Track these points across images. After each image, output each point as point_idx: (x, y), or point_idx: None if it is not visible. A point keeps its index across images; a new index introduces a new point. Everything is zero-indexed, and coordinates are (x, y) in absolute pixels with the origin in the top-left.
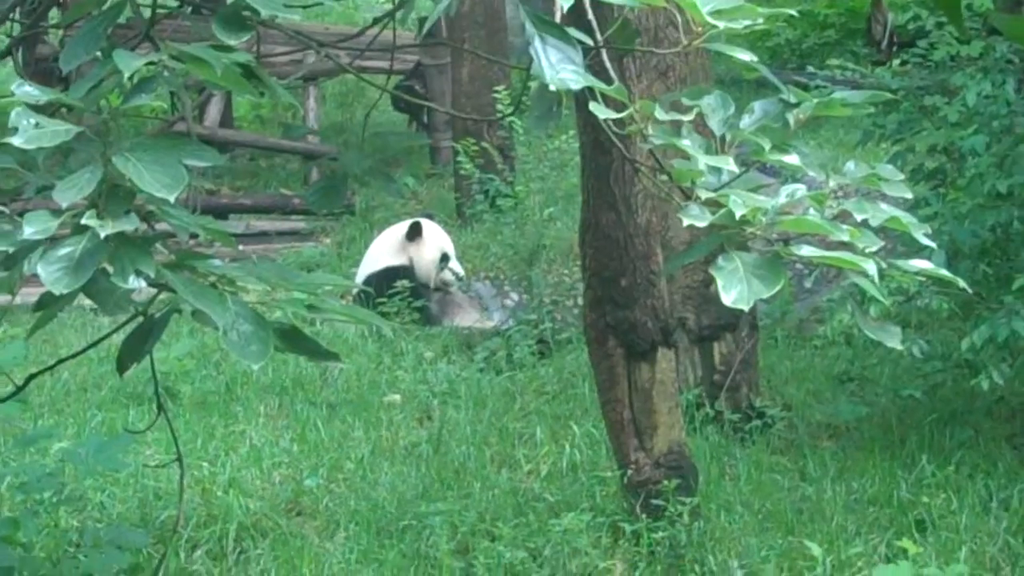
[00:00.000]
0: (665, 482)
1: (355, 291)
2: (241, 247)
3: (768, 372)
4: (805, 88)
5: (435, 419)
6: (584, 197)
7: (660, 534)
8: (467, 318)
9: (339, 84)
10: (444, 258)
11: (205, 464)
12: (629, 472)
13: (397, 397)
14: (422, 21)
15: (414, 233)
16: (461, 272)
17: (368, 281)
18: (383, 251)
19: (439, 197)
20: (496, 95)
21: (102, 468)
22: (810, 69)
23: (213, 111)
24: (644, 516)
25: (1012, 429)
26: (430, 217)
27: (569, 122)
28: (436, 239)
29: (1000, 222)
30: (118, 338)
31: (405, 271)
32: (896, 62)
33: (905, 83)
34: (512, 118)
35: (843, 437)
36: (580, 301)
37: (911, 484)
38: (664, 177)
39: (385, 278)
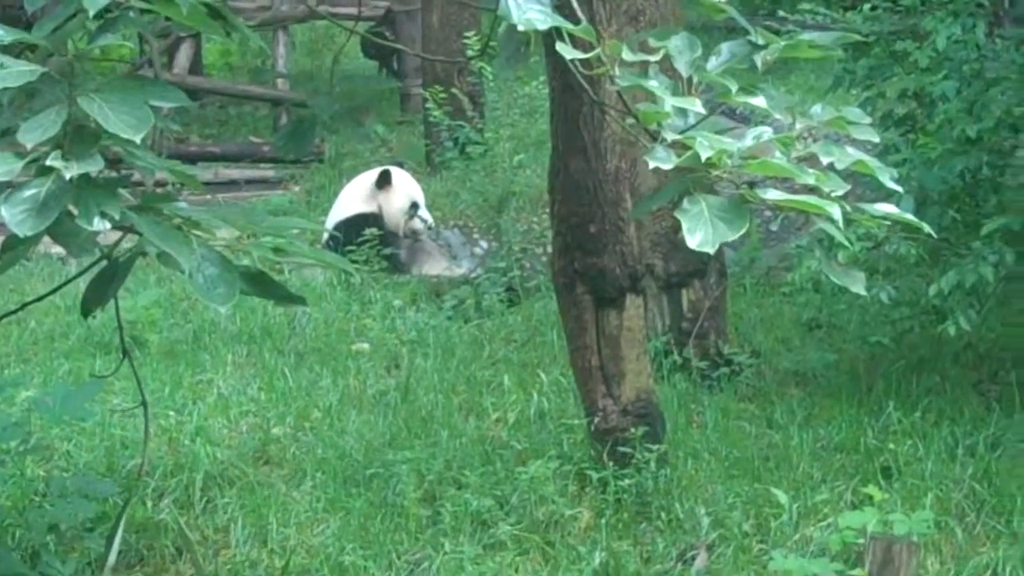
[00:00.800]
0: (632, 429)
1: (324, 237)
2: (209, 196)
3: (736, 319)
4: (776, 33)
5: (403, 367)
6: (553, 143)
7: (627, 482)
8: (436, 266)
9: (308, 30)
10: (414, 206)
11: (172, 413)
12: (596, 419)
13: (365, 345)
14: None
15: (383, 181)
16: (430, 220)
17: (337, 228)
18: (353, 198)
19: (409, 144)
20: (466, 40)
21: (68, 417)
22: (781, 14)
23: (182, 58)
24: (611, 464)
25: (979, 375)
26: (400, 165)
27: (539, 68)
28: (406, 187)
29: (969, 167)
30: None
31: (374, 218)
32: (867, 6)
33: (876, 28)
34: (482, 64)
35: (811, 384)
36: (549, 249)
37: (878, 431)
38: (632, 120)
39: (354, 225)
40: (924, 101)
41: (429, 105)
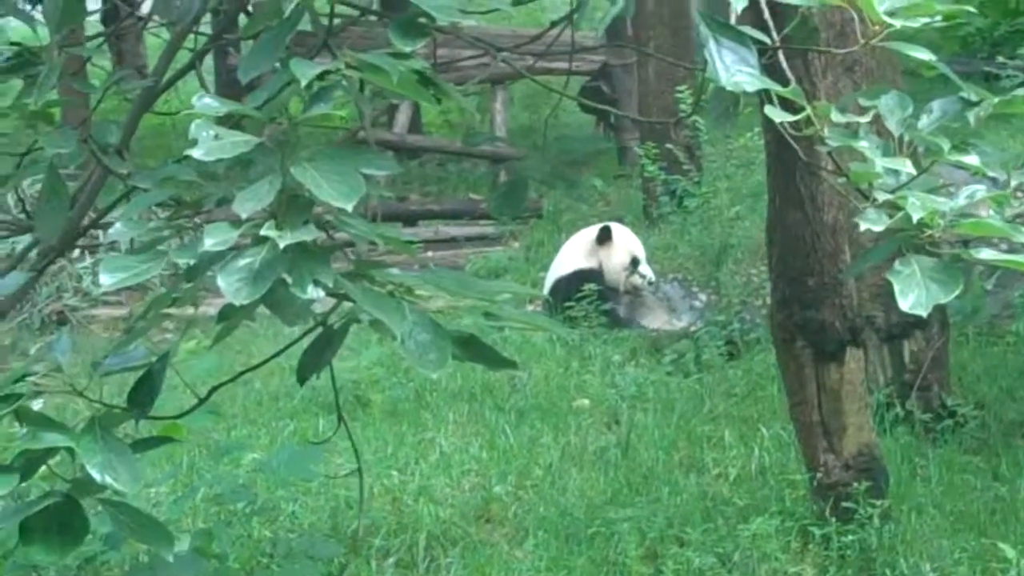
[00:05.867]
0: (855, 484)
1: (546, 292)
2: (430, 252)
3: (959, 370)
4: (996, 78)
5: (623, 423)
6: (770, 195)
7: (850, 537)
8: (656, 320)
9: (527, 86)
10: (634, 262)
11: (395, 472)
12: (818, 475)
13: (586, 402)
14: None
15: (604, 237)
16: (652, 276)
17: (557, 284)
18: (573, 254)
19: (627, 198)
20: (679, 94)
21: (293, 478)
22: (1000, 59)
23: (402, 117)
24: (834, 519)
25: None
26: (620, 220)
27: (755, 119)
28: (626, 243)
29: None
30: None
31: (594, 274)
32: None
33: None
34: (695, 117)
35: None
36: (769, 301)
37: None
38: (843, 179)
39: (574, 281)
40: None
41: (643, 160)
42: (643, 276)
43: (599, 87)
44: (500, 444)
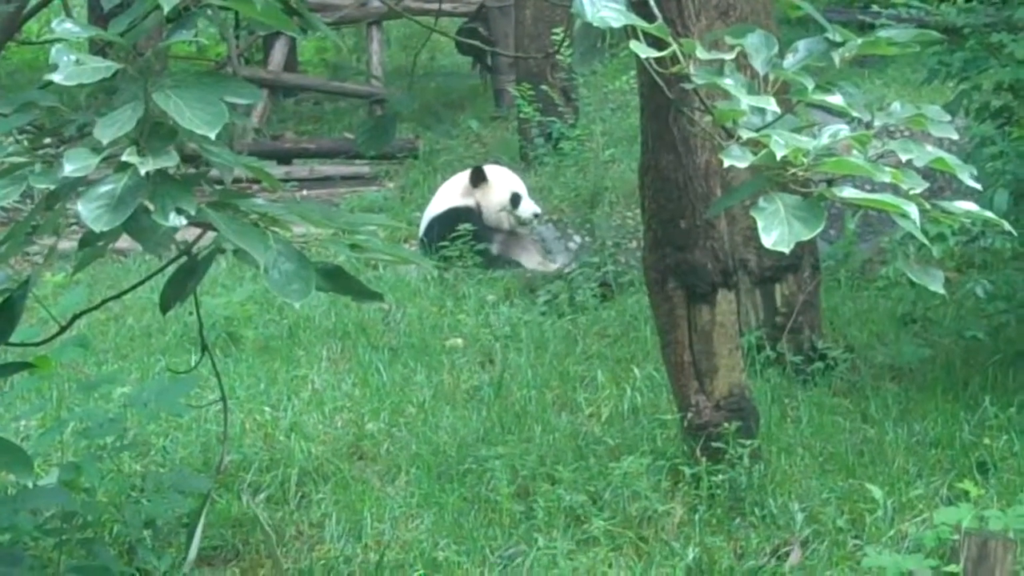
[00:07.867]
0: (725, 425)
1: (421, 232)
2: (305, 192)
3: (831, 313)
4: (871, 27)
5: (497, 363)
6: (643, 138)
7: (720, 477)
8: (530, 261)
9: (404, 27)
10: (515, 199)
11: (267, 409)
12: (689, 415)
13: (459, 341)
14: None
15: (478, 178)
16: (537, 209)
17: (432, 223)
18: (449, 194)
19: (503, 140)
20: (554, 35)
21: (163, 412)
22: (875, 8)
23: (277, 55)
24: (704, 459)
25: None
26: (496, 162)
27: (631, 62)
28: (504, 181)
29: None
30: None
31: (470, 213)
32: None
33: (970, 20)
34: (568, 58)
35: (906, 379)
36: (642, 243)
37: (973, 426)
38: (709, 118)
39: (448, 220)
40: (1020, 93)
41: (519, 101)
42: (524, 212)
43: (476, 28)
44: (373, 382)
